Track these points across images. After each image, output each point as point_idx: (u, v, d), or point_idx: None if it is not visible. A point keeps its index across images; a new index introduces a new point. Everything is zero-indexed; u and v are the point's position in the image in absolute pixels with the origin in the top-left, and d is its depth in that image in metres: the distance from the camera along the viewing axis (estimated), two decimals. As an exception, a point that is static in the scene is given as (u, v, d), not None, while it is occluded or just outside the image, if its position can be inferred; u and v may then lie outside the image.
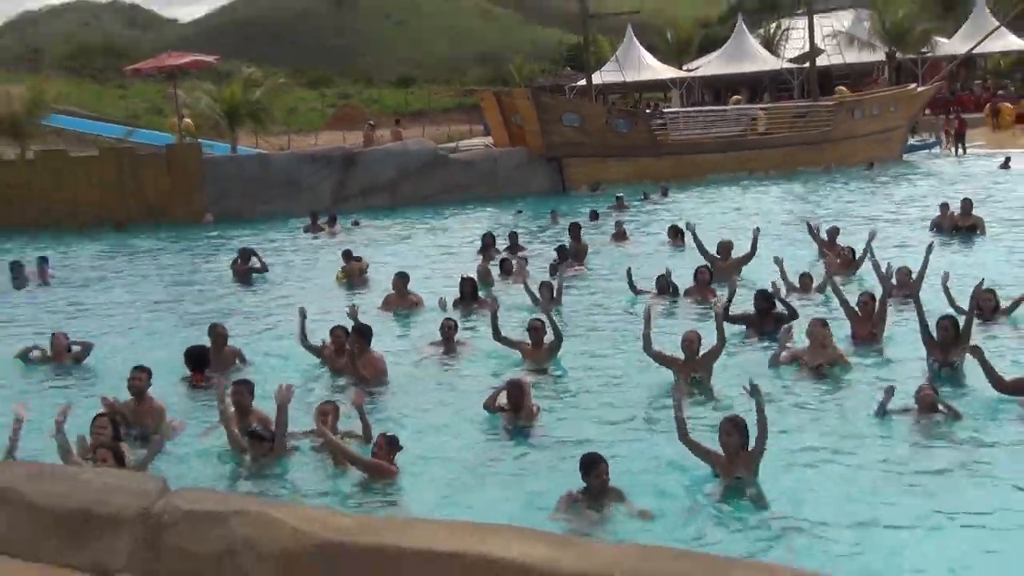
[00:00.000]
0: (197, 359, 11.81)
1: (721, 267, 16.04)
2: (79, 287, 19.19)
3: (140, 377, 10.41)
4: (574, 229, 20.11)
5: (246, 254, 19.55)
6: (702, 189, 29.77)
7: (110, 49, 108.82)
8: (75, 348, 12.94)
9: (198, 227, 27.00)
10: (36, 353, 13.06)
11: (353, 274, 17.92)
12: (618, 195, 27.02)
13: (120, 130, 39.89)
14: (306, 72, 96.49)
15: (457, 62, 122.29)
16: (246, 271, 19.16)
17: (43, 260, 19.87)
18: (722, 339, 11.10)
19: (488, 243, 19.61)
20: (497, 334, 12.32)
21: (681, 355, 11.12)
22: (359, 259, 18.45)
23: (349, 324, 12.13)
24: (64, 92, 38.67)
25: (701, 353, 11.08)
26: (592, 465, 7.83)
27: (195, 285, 19.68)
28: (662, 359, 11.18)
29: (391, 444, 8.68)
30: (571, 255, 18.37)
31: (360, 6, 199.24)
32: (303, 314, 12.41)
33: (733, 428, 8.28)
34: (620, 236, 21.23)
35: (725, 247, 16.69)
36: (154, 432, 9.93)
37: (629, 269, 15.63)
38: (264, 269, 19.27)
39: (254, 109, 35.36)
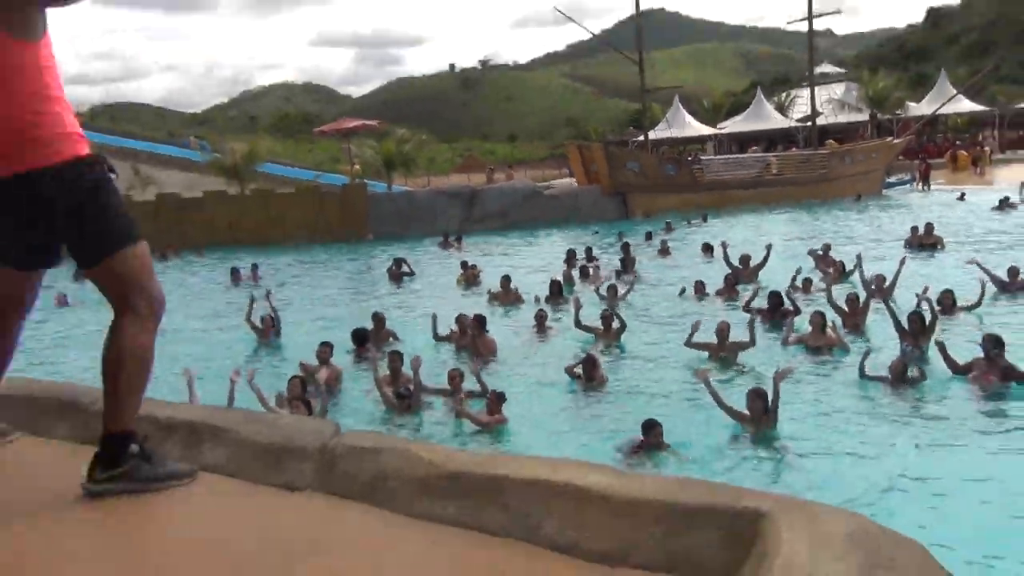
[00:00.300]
0: (361, 337, 11.99)
1: (742, 274, 15.93)
2: (279, 286, 19.60)
3: (325, 350, 10.63)
4: (625, 247, 20.15)
5: (399, 262, 19.87)
6: (731, 216, 29.33)
7: (304, 117, 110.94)
8: (272, 318, 13.28)
9: (362, 243, 27.41)
10: (254, 318, 13.36)
11: (469, 278, 18.01)
12: (667, 220, 26.81)
13: (310, 174, 40.61)
14: (441, 132, 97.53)
15: (550, 125, 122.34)
16: (398, 274, 19.43)
17: (254, 266, 20.34)
18: (753, 340, 10.91)
19: (571, 255, 19.57)
20: (578, 323, 12.34)
21: (714, 340, 11.02)
22: (474, 267, 18.56)
23: (470, 314, 12.24)
24: (272, 147, 39.45)
25: (730, 340, 10.98)
26: (650, 427, 7.84)
27: (361, 284, 20.00)
28: (698, 346, 11.07)
29: (499, 398, 8.79)
30: (623, 266, 18.31)
31: (481, 87, 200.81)
32: (435, 318, 12.60)
33: (756, 396, 8.25)
34: (664, 251, 20.99)
35: (745, 259, 16.59)
36: (336, 391, 10.17)
37: (683, 288, 15.47)
38: (411, 273, 19.51)
39: (404, 159, 35.76)
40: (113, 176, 2.87)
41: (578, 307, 12.45)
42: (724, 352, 10.91)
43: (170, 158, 39.33)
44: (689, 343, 11.04)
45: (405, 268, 19.61)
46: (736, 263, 16.33)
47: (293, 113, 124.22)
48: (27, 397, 3.61)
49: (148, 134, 47.76)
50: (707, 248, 20.17)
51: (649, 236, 23.59)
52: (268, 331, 13.11)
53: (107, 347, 2.80)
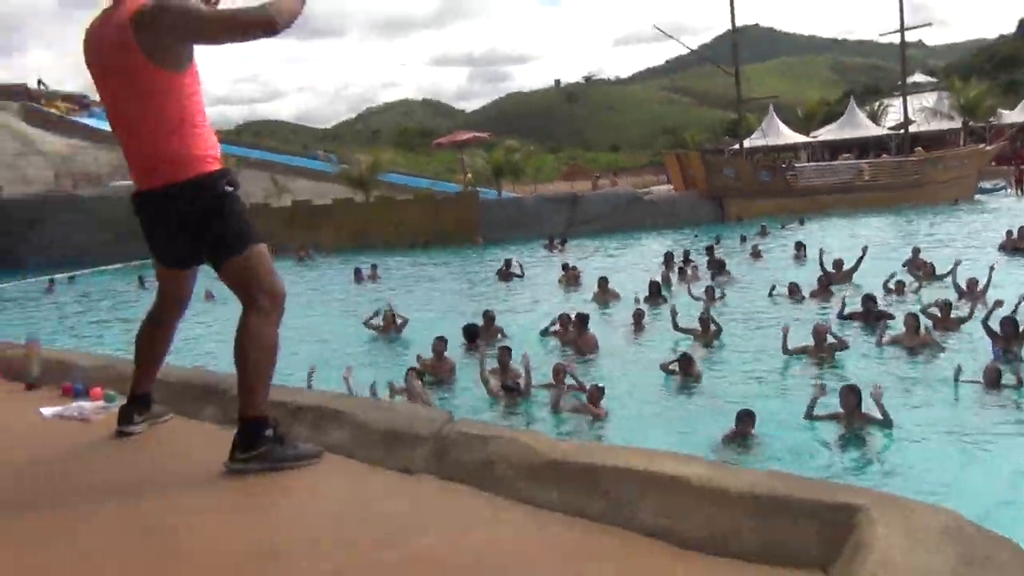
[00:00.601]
0: (471, 333, 12.06)
1: (835, 277, 15.36)
2: (397, 283, 19.97)
3: (440, 343, 10.73)
4: (709, 249, 19.79)
5: (508, 263, 19.94)
6: (824, 220, 28.40)
7: (422, 131, 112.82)
8: (399, 321, 13.41)
9: (473, 247, 27.67)
10: (375, 320, 13.48)
11: (569, 279, 17.92)
12: (763, 224, 26.13)
13: (427, 183, 41.22)
14: (547, 142, 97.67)
15: (649, 134, 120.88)
16: (508, 274, 19.50)
17: (374, 266, 20.71)
18: (845, 344, 10.56)
19: (668, 257, 19.27)
20: (675, 326, 12.11)
21: (811, 341, 10.66)
22: (574, 268, 18.45)
23: (570, 312, 12.21)
24: (393, 159, 40.21)
25: (828, 341, 10.61)
26: (743, 416, 7.63)
27: (473, 284, 20.17)
28: (796, 350, 10.69)
29: (599, 392, 8.70)
30: (709, 266, 17.91)
31: (584, 99, 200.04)
32: (551, 322, 12.46)
33: (850, 392, 7.95)
34: (756, 255, 20.45)
35: (838, 263, 15.96)
36: (450, 381, 10.27)
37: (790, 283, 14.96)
38: (520, 275, 19.56)
39: (513, 167, 35.93)
40: (231, 189, 2.96)
41: (675, 313, 12.23)
42: (822, 353, 10.54)
43: (303, 169, 40.55)
44: (786, 349, 10.68)
45: (515, 269, 19.67)
46: (830, 268, 15.76)
47: (412, 127, 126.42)
48: (180, 382, 3.78)
49: (284, 148, 49.34)
50: (799, 247, 19.56)
51: (743, 239, 23.03)
52: (389, 328, 13.32)
53: (236, 340, 2.91)
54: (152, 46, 2.73)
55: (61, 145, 37.10)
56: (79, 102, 45.68)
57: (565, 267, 18.53)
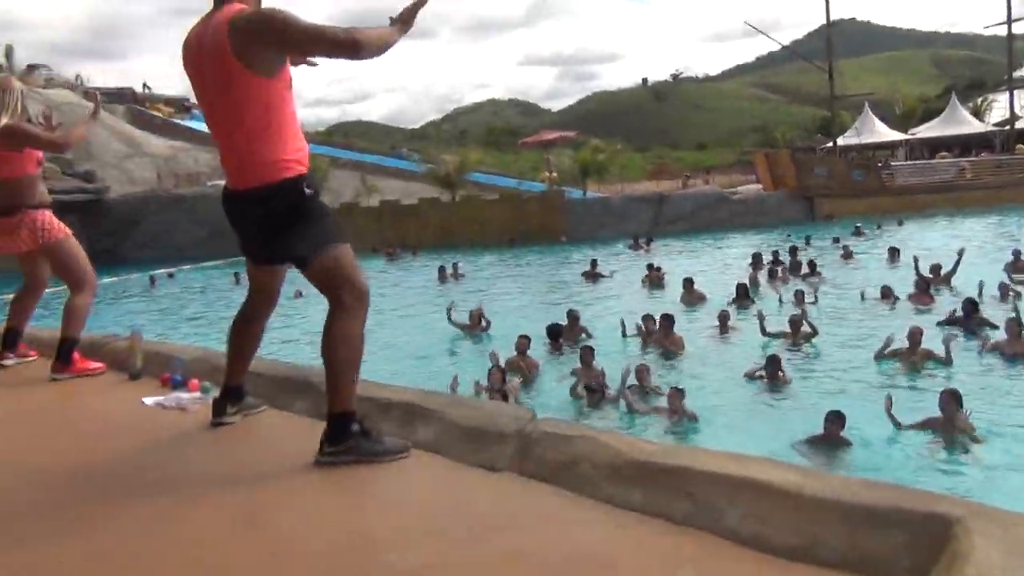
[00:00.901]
0: (555, 332, 12.04)
1: (933, 282, 14.76)
2: (483, 282, 20.10)
3: (523, 341, 10.76)
4: (792, 250, 19.24)
5: (594, 263, 19.88)
6: (924, 220, 27.34)
7: (509, 130, 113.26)
8: (484, 321, 13.50)
9: (557, 245, 27.65)
10: (456, 316, 13.53)
11: (653, 280, 17.71)
12: (857, 224, 25.31)
13: (513, 182, 41.40)
14: (634, 141, 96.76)
15: (738, 133, 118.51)
16: (594, 275, 19.43)
17: (455, 265, 20.88)
18: (949, 359, 10.08)
19: (757, 258, 18.84)
20: (763, 331, 11.84)
21: (906, 344, 10.29)
22: (658, 269, 18.20)
23: (655, 313, 12.07)
24: (480, 158, 40.52)
25: (923, 346, 10.22)
26: (832, 418, 7.42)
27: (557, 283, 20.14)
28: (891, 354, 10.33)
29: (679, 393, 8.56)
30: (790, 268, 17.38)
31: (672, 97, 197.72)
32: (623, 322, 12.40)
33: (951, 397, 7.61)
34: (847, 256, 19.79)
35: (936, 267, 15.29)
36: (532, 379, 10.28)
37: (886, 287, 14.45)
38: (606, 275, 19.45)
39: (599, 167, 35.77)
40: (310, 192, 3.03)
41: (762, 318, 11.96)
42: (915, 358, 10.14)
43: (392, 169, 41.27)
44: (880, 355, 10.32)
45: (600, 270, 19.60)
46: (927, 273, 15.13)
47: (499, 127, 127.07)
48: (272, 376, 3.89)
49: (374, 148, 50.28)
50: (893, 252, 18.91)
51: (836, 240, 22.34)
52: (475, 326, 13.41)
53: (324, 338, 2.98)
54: (244, 51, 2.81)
55: (164, 146, 38.73)
56: (181, 105, 47.61)
57: (650, 267, 18.34)
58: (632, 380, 9.20)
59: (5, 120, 4.72)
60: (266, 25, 2.81)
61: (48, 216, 4.91)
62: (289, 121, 3.01)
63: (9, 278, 5.55)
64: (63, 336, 4.73)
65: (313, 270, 3.01)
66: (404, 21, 2.97)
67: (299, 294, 15.64)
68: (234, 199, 3.08)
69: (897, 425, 7.80)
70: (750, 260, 18.79)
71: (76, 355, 4.74)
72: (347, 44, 2.80)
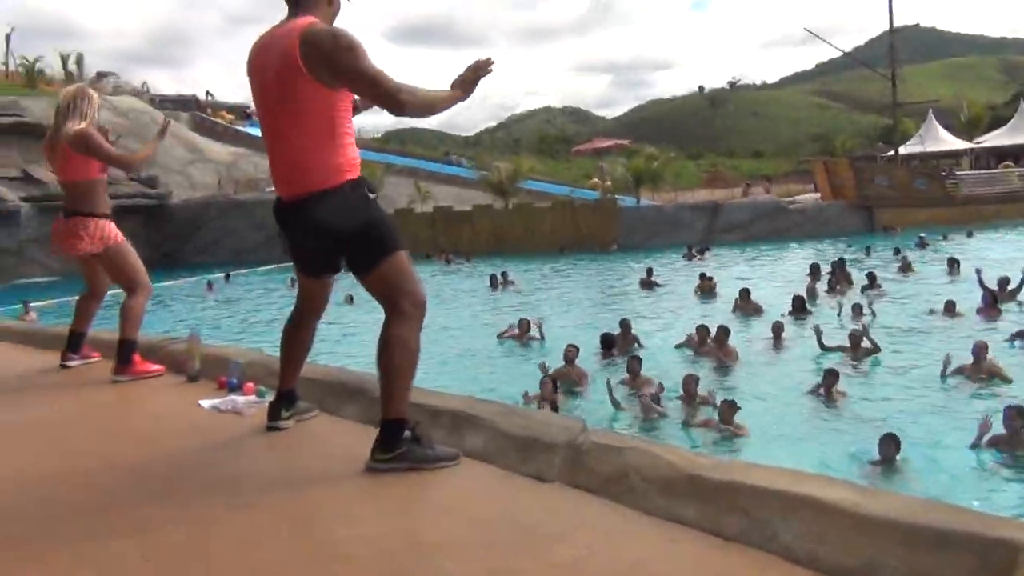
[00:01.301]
0: (608, 342, 11.98)
1: (1000, 296, 14.28)
2: (535, 290, 20.07)
3: (571, 350, 10.70)
4: (840, 263, 18.72)
5: (650, 271, 19.64)
6: (993, 232, 26.57)
7: (562, 137, 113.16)
8: (534, 329, 13.46)
9: (609, 253, 27.53)
10: (511, 332, 13.52)
11: (705, 289, 17.49)
12: (921, 235, 24.71)
13: (566, 189, 41.38)
14: (688, 149, 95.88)
15: (796, 141, 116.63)
16: (650, 283, 19.25)
17: (504, 273, 20.87)
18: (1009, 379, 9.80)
19: (815, 269, 18.49)
20: (821, 345, 11.62)
21: (970, 359, 9.99)
22: (710, 279, 17.98)
23: (711, 324, 11.92)
24: (533, 166, 40.60)
25: (988, 361, 9.92)
26: (887, 441, 7.21)
27: (608, 291, 20.02)
28: (956, 370, 10.04)
29: (731, 406, 8.43)
30: (838, 281, 16.90)
31: (726, 104, 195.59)
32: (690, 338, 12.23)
33: (1018, 415, 7.35)
34: (905, 268, 19.29)
35: (1003, 281, 14.79)
36: (583, 389, 10.22)
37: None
38: (661, 284, 19.28)
39: (652, 175, 35.56)
40: (373, 196, 3.06)
41: (819, 332, 11.72)
42: (981, 373, 9.83)
43: (445, 176, 41.57)
44: (944, 375, 10.04)
45: (656, 279, 19.46)
46: (993, 286, 14.63)
47: (552, 134, 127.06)
48: (324, 381, 3.94)
49: (428, 155, 50.71)
50: (952, 263, 18.42)
51: (897, 252, 21.83)
52: (524, 335, 13.39)
53: (379, 344, 3.00)
54: (312, 62, 2.87)
55: (225, 153, 39.59)
56: (242, 112, 48.62)
57: (702, 277, 18.14)
58: (679, 391, 9.11)
59: (83, 125, 4.86)
60: (335, 47, 2.86)
61: (105, 225, 5.04)
62: (348, 129, 3.05)
63: (74, 282, 5.71)
64: (121, 338, 4.84)
65: (371, 278, 3.03)
66: (463, 88, 3.03)
67: (351, 299, 15.81)
68: (289, 207, 3.10)
69: (976, 443, 7.54)
70: (808, 271, 18.47)
71: (136, 357, 4.85)
72: (393, 100, 2.87)
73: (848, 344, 11.38)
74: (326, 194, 2.98)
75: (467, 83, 3.03)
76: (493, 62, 3.07)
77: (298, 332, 3.47)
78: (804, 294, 15.26)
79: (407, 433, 2.97)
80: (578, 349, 10.78)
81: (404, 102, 2.86)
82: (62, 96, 5.08)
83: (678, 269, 22.70)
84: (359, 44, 2.90)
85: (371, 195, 3.05)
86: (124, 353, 4.81)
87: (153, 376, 4.83)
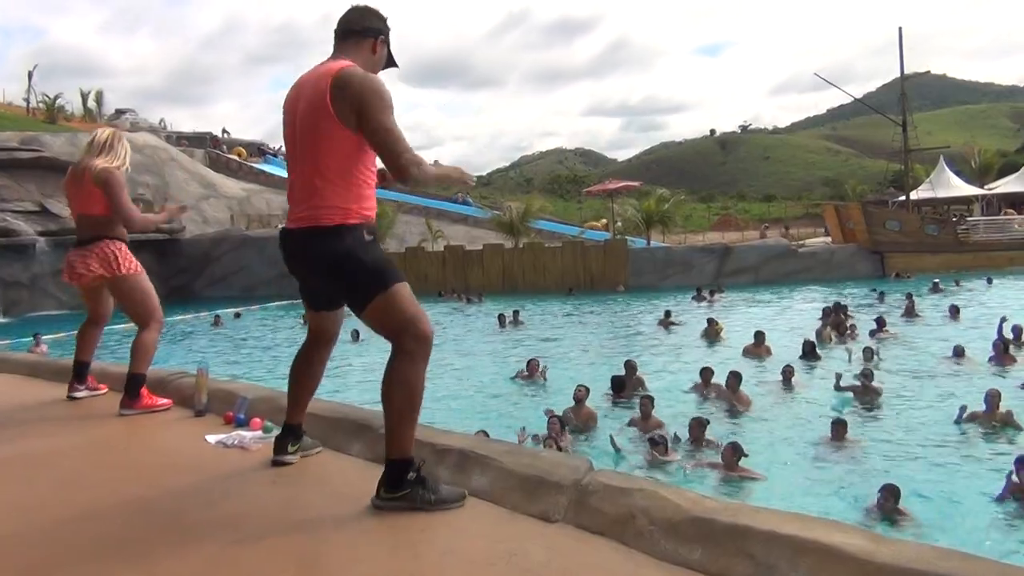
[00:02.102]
0: (619, 384, 11.91)
1: (1015, 343, 14.17)
2: (544, 329, 20.02)
3: (582, 390, 10.64)
4: (836, 307, 18.69)
5: (668, 313, 19.91)
6: (1003, 279, 26.43)
7: (573, 178, 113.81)
8: (542, 368, 13.40)
9: (615, 294, 27.48)
10: (522, 374, 13.45)
11: (711, 334, 17.28)
12: (935, 280, 24.64)
13: (576, 230, 41.50)
14: (698, 191, 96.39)
15: (807, 185, 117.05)
16: (668, 323, 19.34)
17: (515, 312, 20.86)
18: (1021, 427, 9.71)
19: (826, 313, 18.43)
20: (838, 387, 11.56)
21: (983, 407, 9.90)
22: (717, 323, 17.74)
23: (723, 367, 11.86)
24: (544, 206, 40.78)
25: (1002, 408, 9.82)
26: (886, 492, 7.11)
27: (618, 333, 19.96)
28: (970, 417, 9.94)
29: (735, 450, 8.30)
30: (833, 326, 16.77)
31: (738, 147, 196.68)
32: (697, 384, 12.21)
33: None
34: (909, 313, 19.16)
35: (1018, 329, 14.67)
36: (590, 429, 10.15)
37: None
38: (679, 323, 19.29)
39: (663, 216, 35.62)
40: (370, 238, 3.07)
41: (838, 376, 11.71)
42: (994, 421, 9.73)
43: (457, 215, 41.78)
44: (959, 421, 9.95)
45: (674, 319, 19.49)
46: (1009, 334, 14.49)
47: (564, 175, 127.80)
48: (330, 417, 3.92)
49: (440, 194, 51.07)
50: (954, 310, 18.57)
51: (909, 296, 21.67)
52: (534, 374, 13.35)
53: (383, 382, 2.98)
54: (340, 103, 2.93)
55: (238, 189, 39.96)
56: (257, 149, 49.19)
57: (710, 322, 17.94)
58: (685, 434, 9.04)
59: (115, 164, 4.95)
60: (363, 89, 2.93)
61: (123, 248, 5.05)
62: (366, 177, 3.09)
63: (71, 317, 5.68)
64: (131, 372, 4.84)
65: (370, 314, 3.01)
66: (446, 175, 3.53)
67: (357, 335, 15.81)
68: (290, 236, 3.15)
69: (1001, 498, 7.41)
70: (820, 315, 18.38)
71: (144, 390, 4.84)
72: (399, 166, 2.94)
73: (860, 385, 11.32)
74: (324, 230, 3.01)
75: (452, 178, 3.31)
76: (475, 181, 3.18)
77: (308, 367, 3.47)
78: (814, 338, 15.19)
79: (412, 474, 2.94)
80: (588, 390, 10.73)
81: (409, 170, 2.95)
82: (98, 134, 5.15)
83: (688, 311, 22.64)
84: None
85: (368, 237, 3.06)
86: (132, 387, 4.80)
87: (161, 410, 4.82)
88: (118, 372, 5.19)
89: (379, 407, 3.04)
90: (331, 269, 3.03)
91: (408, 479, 2.92)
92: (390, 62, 3.28)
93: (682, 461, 8.72)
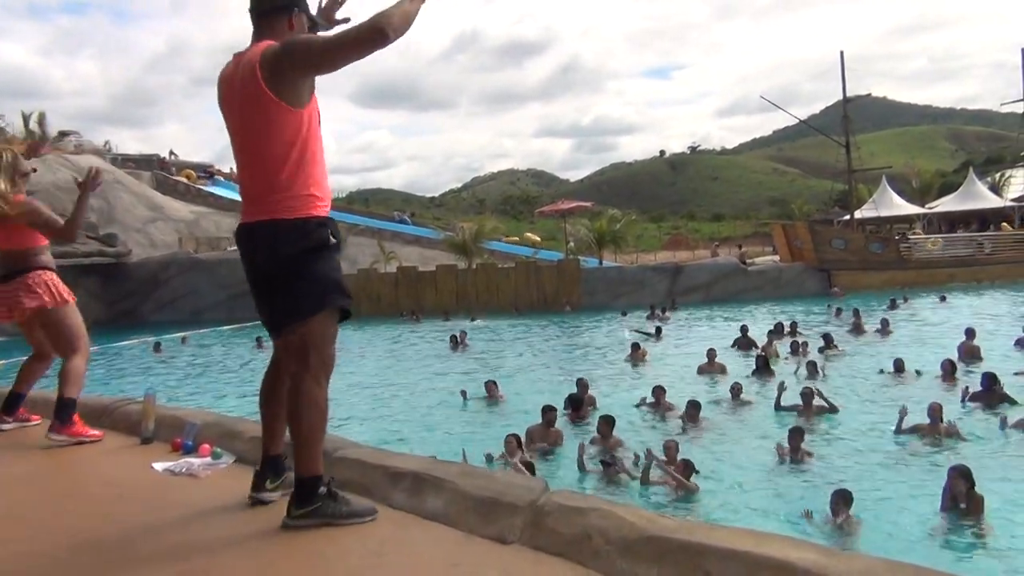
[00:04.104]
0: (576, 402, 11.90)
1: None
2: (495, 351, 19.96)
3: (551, 413, 10.57)
4: (778, 327, 19.33)
5: (659, 329, 20.41)
6: (972, 297, 27.23)
7: (525, 199, 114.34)
8: (499, 390, 13.33)
9: (562, 313, 27.55)
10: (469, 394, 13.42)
11: (636, 359, 16.84)
12: (892, 298, 25.20)
13: (529, 251, 41.63)
14: (649, 211, 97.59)
15: (754, 204, 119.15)
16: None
17: (463, 332, 20.76)
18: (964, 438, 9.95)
19: (778, 328, 18.77)
20: (777, 405, 11.74)
21: (927, 420, 10.12)
22: (643, 350, 17.22)
23: (680, 386, 11.96)
24: (496, 226, 40.85)
25: (945, 421, 10.06)
26: (837, 499, 7.22)
27: (573, 351, 20.02)
28: (909, 430, 10.16)
29: (687, 466, 8.40)
30: (794, 348, 16.78)
31: (688, 167, 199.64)
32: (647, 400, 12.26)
33: (959, 476, 7.40)
34: (856, 329, 19.51)
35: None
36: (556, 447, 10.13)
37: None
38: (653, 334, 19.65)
39: (614, 236, 35.94)
40: (334, 241, 3.00)
41: (781, 390, 11.86)
42: (938, 433, 9.95)
43: (410, 236, 41.65)
44: (899, 430, 10.16)
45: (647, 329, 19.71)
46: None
47: (517, 195, 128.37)
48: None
49: (389, 214, 50.90)
50: (884, 323, 19.28)
51: (856, 313, 22.06)
52: (492, 395, 13.29)
53: (290, 404, 2.96)
54: (277, 82, 2.84)
55: (186, 211, 39.34)
56: (204, 171, 48.55)
57: (635, 347, 17.42)
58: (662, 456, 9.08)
59: (14, 189, 4.71)
60: (291, 49, 2.84)
61: (54, 277, 4.84)
62: (317, 157, 3.00)
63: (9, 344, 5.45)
64: (60, 396, 4.62)
65: (293, 334, 2.96)
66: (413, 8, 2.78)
67: (260, 343, 15.54)
68: (247, 231, 3.03)
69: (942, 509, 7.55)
70: (770, 331, 18.66)
71: (76, 418, 4.63)
72: (373, 35, 2.69)
73: (802, 404, 11.46)
74: (287, 223, 2.91)
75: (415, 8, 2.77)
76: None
77: (275, 391, 3.23)
78: (765, 354, 15.41)
79: (321, 489, 2.95)
80: (556, 411, 10.72)
81: (385, 31, 2.67)
82: None
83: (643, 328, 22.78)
84: (306, 34, 2.91)
85: (333, 240, 2.99)
86: (63, 412, 4.57)
87: (91, 441, 4.60)
88: (48, 399, 4.99)
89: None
90: (281, 272, 2.95)
91: (318, 493, 2.93)
92: (313, 28, 3.13)
93: (634, 474, 8.73)
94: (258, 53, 2.89)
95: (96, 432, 4.71)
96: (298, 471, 2.96)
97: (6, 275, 4.79)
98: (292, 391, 2.96)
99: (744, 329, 18.50)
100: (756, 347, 17.21)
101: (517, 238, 41.02)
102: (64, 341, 4.83)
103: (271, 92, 2.84)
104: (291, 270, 2.93)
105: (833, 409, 11.42)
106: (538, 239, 38.08)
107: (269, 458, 3.25)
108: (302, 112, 2.91)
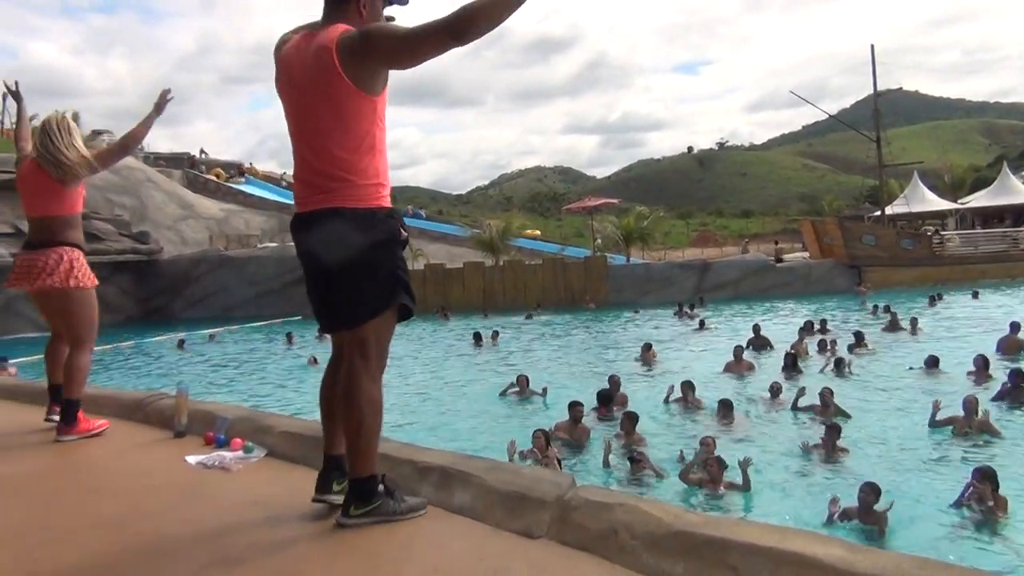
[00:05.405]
0: (605, 398, 11.86)
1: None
2: (521, 348, 19.91)
3: (578, 409, 10.57)
4: (823, 323, 19.08)
5: (703, 322, 20.23)
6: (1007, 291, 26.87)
7: (552, 196, 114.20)
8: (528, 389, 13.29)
9: (587, 311, 27.35)
10: (513, 390, 13.39)
11: (646, 360, 16.39)
12: (932, 294, 24.89)
13: (556, 247, 41.60)
14: (677, 208, 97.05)
15: (784, 200, 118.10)
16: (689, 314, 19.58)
17: (495, 333, 20.71)
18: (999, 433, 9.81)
19: (807, 327, 18.59)
20: (794, 405, 11.61)
21: (961, 413, 10.00)
22: (653, 351, 16.76)
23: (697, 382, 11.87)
24: (524, 223, 40.85)
25: (979, 417, 9.92)
26: (866, 489, 7.14)
27: (603, 348, 19.91)
28: (943, 422, 10.04)
29: (720, 464, 8.35)
30: (821, 347, 16.55)
31: (716, 163, 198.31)
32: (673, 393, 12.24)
33: (984, 478, 7.26)
34: (893, 327, 19.17)
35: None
36: (583, 444, 10.12)
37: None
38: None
39: (642, 233, 35.82)
40: (405, 235, 2.97)
41: (800, 395, 11.74)
42: (971, 427, 9.83)
43: (438, 234, 41.79)
44: (933, 423, 10.04)
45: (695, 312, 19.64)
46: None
47: (544, 192, 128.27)
48: (307, 435, 3.89)
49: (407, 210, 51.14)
50: (914, 322, 18.90)
51: (887, 308, 21.80)
52: (524, 390, 13.29)
53: (348, 402, 2.90)
54: (354, 68, 2.76)
55: (216, 209, 39.75)
56: (235, 169, 49.04)
57: (647, 347, 17.01)
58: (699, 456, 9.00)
59: (83, 153, 4.70)
60: (372, 36, 2.74)
61: (82, 259, 4.82)
62: (384, 148, 2.94)
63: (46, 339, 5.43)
64: (66, 398, 4.64)
65: (363, 331, 2.91)
66: None
67: (314, 361, 15.69)
68: (308, 219, 2.90)
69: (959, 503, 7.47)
70: (800, 328, 18.48)
71: (80, 414, 4.67)
72: (455, 29, 2.54)
73: (819, 404, 11.32)
74: (354, 213, 2.82)
75: None
76: None
77: (333, 388, 3.10)
78: (794, 352, 15.28)
79: (380, 488, 2.95)
80: (583, 406, 10.71)
81: (453, 24, 2.53)
82: (45, 122, 4.74)
83: (670, 326, 22.68)
84: (385, 23, 2.83)
85: (404, 235, 2.95)
86: (68, 414, 4.62)
87: (98, 432, 4.67)
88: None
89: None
90: (348, 266, 2.86)
91: (377, 491, 2.94)
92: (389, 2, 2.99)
93: (660, 473, 8.71)
94: (335, 37, 2.78)
95: (102, 421, 4.78)
96: (355, 470, 2.92)
97: (38, 244, 4.75)
98: (349, 389, 2.90)
99: (756, 328, 18.26)
100: (771, 346, 17.04)
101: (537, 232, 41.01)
102: (75, 329, 4.79)
103: (348, 78, 2.75)
104: (358, 265, 2.84)
105: (846, 415, 11.25)
106: (537, 232, 37.94)
107: (333, 458, 3.12)
108: (376, 100, 2.84)
